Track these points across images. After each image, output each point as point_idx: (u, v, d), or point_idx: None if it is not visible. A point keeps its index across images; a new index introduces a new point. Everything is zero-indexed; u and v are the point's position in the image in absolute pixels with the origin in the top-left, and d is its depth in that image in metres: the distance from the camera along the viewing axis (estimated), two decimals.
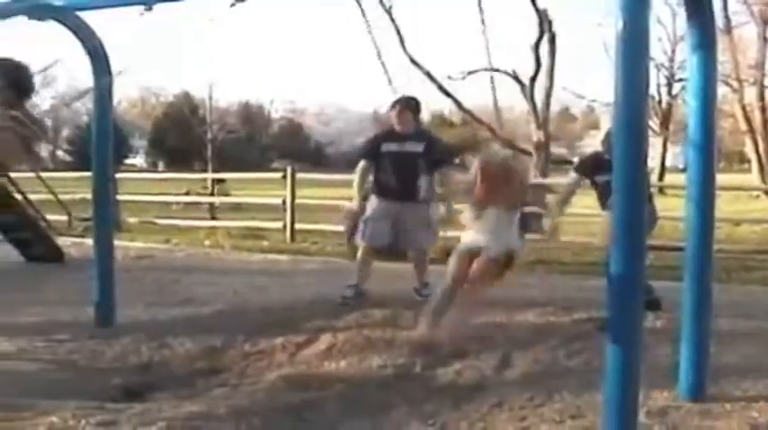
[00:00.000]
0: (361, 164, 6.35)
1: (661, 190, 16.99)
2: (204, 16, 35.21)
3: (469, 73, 23.10)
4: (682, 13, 6.32)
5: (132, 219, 13.36)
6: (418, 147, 6.17)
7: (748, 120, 29.56)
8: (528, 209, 5.13)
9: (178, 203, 17.26)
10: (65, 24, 5.21)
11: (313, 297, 6.34)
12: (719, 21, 24.97)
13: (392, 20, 22.88)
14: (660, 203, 6.05)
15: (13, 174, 9.67)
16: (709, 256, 3.95)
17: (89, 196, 5.98)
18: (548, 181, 18.28)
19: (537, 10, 20.87)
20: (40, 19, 5.14)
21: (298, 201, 12.12)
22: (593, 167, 5.82)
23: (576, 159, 10.81)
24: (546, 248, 9.88)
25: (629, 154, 3.08)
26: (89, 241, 7.78)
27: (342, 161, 44.46)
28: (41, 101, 43.43)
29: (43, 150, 36.59)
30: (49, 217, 9.23)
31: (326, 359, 4.74)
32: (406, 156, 6.12)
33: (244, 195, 17.77)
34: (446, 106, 41.16)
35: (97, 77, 5.44)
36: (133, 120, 58.15)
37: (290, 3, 51.30)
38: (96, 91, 5.52)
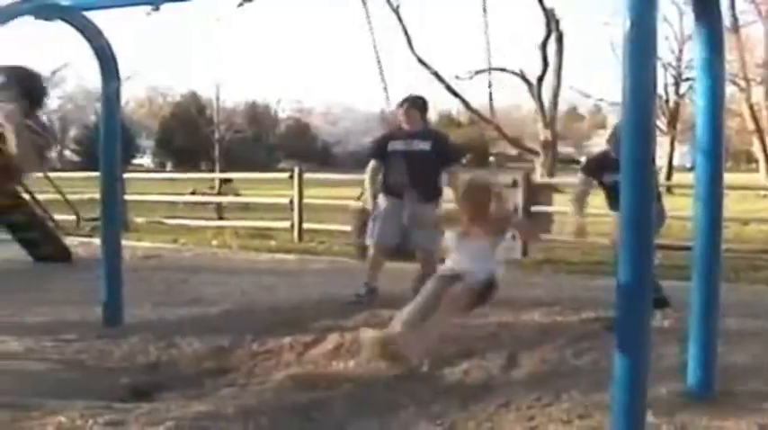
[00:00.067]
0: (372, 163, 6.39)
1: (669, 189, 16.95)
2: (211, 16, 35.22)
3: (477, 72, 23.11)
4: (689, 12, 6.30)
5: (140, 219, 13.39)
6: (425, 146, 6.17)
7: (756, 119, 29.51)
8: (535, 209, 5.07)
9: (185, 202, 17.27)
10: (72, 24, 5.22)
11: (320, 296, 6.34)
12: (727, 20, 24.96)
13: (400, 19, 22.90)
14: (668, 203, 6.03)
15: None
16: (717, 256, 3.94)
17: (97, 196, 5.98)
18: (554, 180, 18.33)
19: (544, 9, 20.88)
20: (47, 19, 5.14)
21: (305, 200, 12.14)
22: (599, 167, 5.79)
23: (583, 159, 10.80)
24: (552, 248, 9.88)
25: (636, 153, 3.07)
26: (97, 241, 7.83)
27: (349, 161, 44.50)
28: (50, 101, 43.63)
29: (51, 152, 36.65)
30: (57, 217, 9.25)
31: (334, 359, 4.74)
32: (414, 155, 6.12)
33: (251, 195, 17.78)
34: (454, 106, 41.24)
35: (105, 78, 5.45)
36: (141, 121, 58.16)
37: (298, 3, 51.22)
38: (104, 91, 5.53)
